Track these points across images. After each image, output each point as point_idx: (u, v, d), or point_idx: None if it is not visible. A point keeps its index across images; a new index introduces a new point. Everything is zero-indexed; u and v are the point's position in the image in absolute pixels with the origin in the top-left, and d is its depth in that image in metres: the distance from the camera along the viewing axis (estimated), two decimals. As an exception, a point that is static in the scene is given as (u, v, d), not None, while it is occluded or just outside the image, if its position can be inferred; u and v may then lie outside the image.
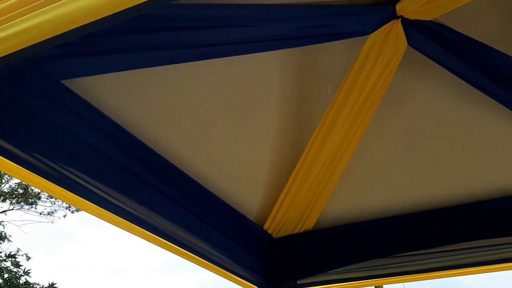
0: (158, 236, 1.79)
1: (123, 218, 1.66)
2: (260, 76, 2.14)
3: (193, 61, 1.71)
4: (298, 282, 2.26)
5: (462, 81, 1.91)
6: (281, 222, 2.31)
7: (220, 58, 1.73)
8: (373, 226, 2.23)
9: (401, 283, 2.26)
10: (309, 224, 2.34)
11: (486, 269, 2.10)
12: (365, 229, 2.24)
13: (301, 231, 2.33)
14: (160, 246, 1.86)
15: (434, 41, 1.83)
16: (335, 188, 2.28)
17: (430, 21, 1.77)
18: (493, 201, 2.06)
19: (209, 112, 2.00)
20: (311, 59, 2.27)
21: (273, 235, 2.33)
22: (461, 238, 2.07)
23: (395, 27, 1.80)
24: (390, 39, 1.83)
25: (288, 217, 2.30)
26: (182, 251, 1.89)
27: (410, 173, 2.24)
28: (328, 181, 2.24)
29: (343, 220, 2.30)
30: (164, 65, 1.64)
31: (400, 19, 1.78)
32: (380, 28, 1.80)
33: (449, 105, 2.14)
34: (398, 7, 1.73)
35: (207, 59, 1.73)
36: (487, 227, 2.05)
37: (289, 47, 1.89)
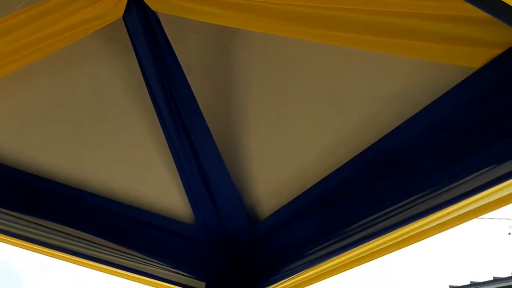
0: None
1: None
2: None
3: None
4: None
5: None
6: None
7: None
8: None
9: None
10: None
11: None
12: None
13: None
14: None
15: (143, 32, 1.77)
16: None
17: (154, 12, 1.72)
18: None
19: None
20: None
21: None
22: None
23: (123, -7, 1.67)
24: (110, -1, 1.68)
25: None
26: None
27: (41, 133, 2.06)
28: None
29: None
30: None
31: (131, -11, 1.67)
32: (110, -19, 1.64)
33: (109, 95, 2.10)
34: (139, -24, 1.62)
35: None
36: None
37: None
